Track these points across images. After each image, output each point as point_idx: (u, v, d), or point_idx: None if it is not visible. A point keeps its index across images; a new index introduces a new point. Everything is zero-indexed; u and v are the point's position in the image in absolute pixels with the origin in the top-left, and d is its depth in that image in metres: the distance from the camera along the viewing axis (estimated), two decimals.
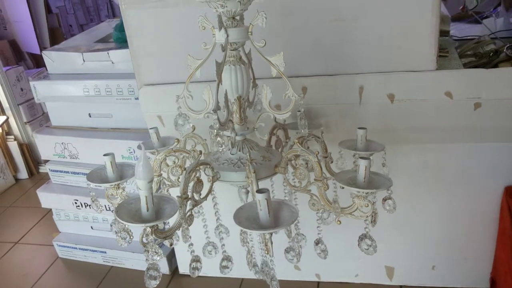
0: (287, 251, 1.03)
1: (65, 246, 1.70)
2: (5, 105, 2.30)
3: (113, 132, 1.54)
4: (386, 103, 1.17)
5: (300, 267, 1.49)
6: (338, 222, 0.87)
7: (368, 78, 1.16)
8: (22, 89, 2.37)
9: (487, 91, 1.11)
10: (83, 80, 1.49)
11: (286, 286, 1.48)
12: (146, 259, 0.77)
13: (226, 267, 1.00)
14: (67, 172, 1.60)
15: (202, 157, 0.90)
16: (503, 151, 1.19)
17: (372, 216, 0.82)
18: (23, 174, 2.46)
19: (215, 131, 0.84)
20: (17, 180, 2.47)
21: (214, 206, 1.03)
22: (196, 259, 0.92)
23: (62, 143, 1.57)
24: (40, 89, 1.54)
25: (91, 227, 1.68)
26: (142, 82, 1.32)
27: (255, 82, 0.99)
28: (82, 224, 1.68)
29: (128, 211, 0.74)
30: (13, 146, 2.36)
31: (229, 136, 0.94)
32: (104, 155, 0.92)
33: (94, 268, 1.68)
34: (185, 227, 0.81)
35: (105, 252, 1.64)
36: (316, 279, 1.50)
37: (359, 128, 0.99)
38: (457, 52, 1.40)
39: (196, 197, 0.85)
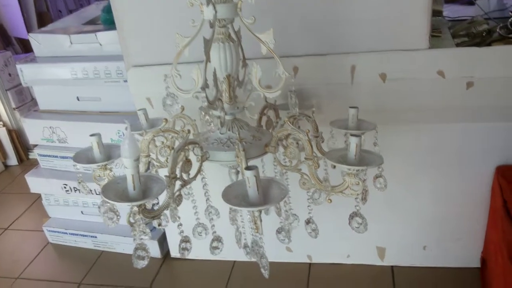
0: (278, 231, 1.02)
1: (55, 231, 1.69)
2: None
3: (102, 116, 1.51)
4: (378, 83, 1.16)
5: (291, 248, 1.49)
6: (329, 201, 0.86)
7: (360, 57, 1.15)
8: (10, 75, 2.33)
9: (480, 69, 1.10)
10: (71, 63, 1.46)
11: (278, 268, 1.48)
12: (134, 239, 0.75)
13: (216, 247, 0.99)
14: (56, 156, 1.58)
15: (191, 137, 0.89)
16: (494, 131, 1.19)
17: (363, 194, 0.81)
18: (13, 160, 2.43)
19: (203, 110, 0.82)
20: (6, 166, 2.44)
21: (203, 186, 1.02)
22: (186, 240, 0.91)
23: (50, 127, 1.54)
24: (27, 72, 1.51)
25: (81, 212, 1.67)
26: (130, 63, 1.29)
27: (245, 61, 0.97)
28: (72, 209, 1.67)
29: (114, 191, 0.73)
30: (2, 132, 2.32)
31: (218, 116, 0.92)
32: (91, 135, 0.90)
33: (84, 253, 1.67)
34: (174, 207, 0.80)
35: (96, 237, 1.62)
36: (307, 261, 1.50)
37: (351, 107, 0.98)
38: (450, 33, 1.39)
39: (184, 176, 0.84)
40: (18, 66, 1.50)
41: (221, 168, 1.03)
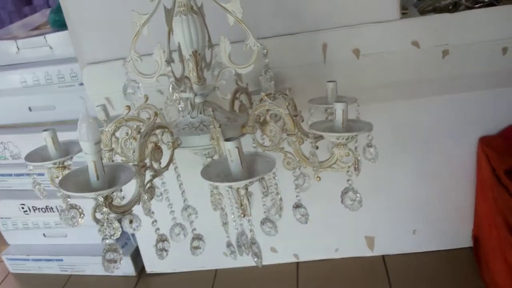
0: (263, 222, 0.93)
1: (16, 259, 1.53)
2: None
3: (57, 126, 1.39)
4: (351, 59, 1.10)
5: (276, 248, 1.40)
6: (318, 179, 0.79)
7: (330, 34, 1.09)
8: None
9: (454, 36, 1.07)
10: (19, 69, 1.34)
11: (263, 271, 1.38)
12: (103, 239, 0.65)
13: (197, 247, 0.89)
14: (10, 174, 1.43)
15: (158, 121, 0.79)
16: (474, 101, 1.15)
17: (355, 164, 0.73)
18: None
19: (171, 86, 0.73)
20: None
21: (180, 186, 0.92)
22: (163, 239, 0.81)
23: (1, 143, 1.40)
24: None
25: (44, 235, 1.52)
26: (84, 61, 1.18)
27: (210, 41, 0.90)
28: (32, 232, 1.52)
29: (74, 183, 0.63)
30: None
31: (187, 98, 0.84)
32: (44, 130, 0.79)
33: (50, 279, 1.51)
34: (146, 198, 0.70)
35: (62, 260, 1.48)
36: (294, 260, 1.42)
37: (329, 81, 0.92)
38: (417, 10, 1.36)
39: (155, 165, 0.74)
40: None
41: (196, 162, 0.94)
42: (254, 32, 0.80)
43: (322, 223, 1.33)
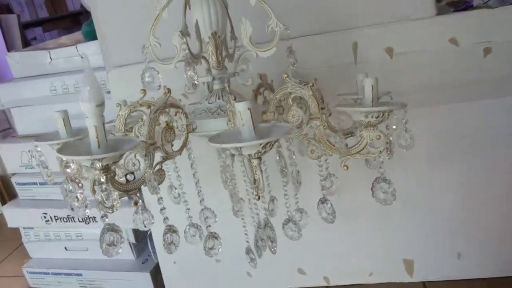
0: (285, 223, 0.85)
1: (36, 273, 1.49)
2: None
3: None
4: (384, 59, 1.04)
5: (304, 270, 1.29)
6: (345, 168, 0.71)
7: (361, 32, 1.04)
8: None
9: (497, 33, 0.99)
10: (49, 78, 1.36)
11: None
12: (101, 216, 0.59)
13: (212, 248, 0.81)
14: (35, 183, 1.42)
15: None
16: None
17: (387, 146, 0.65)
18: None
19: (185, 60, 0.69)
20: None
21: (196, 183, 0.86)
22: (172, 229, 0.73)
23: (29, 151, 1.41)
24: (4, 93, 1.40)
25: (65, 248, 1.48)
26: (111, 64, 1.18)
27: (233, 32, 0.86)
28: (54, 245, 1.48)
29: (73, 151, 0.58)
30: None
31: (205, 82, 0.79)
32: (55, 112, 0.76)
33: None
34: (152, 178, 0.64)
35: (81, 275, 1.42)
36: (324, 283, 1.29)
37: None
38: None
39: (166, 147, 0.69)
40: None
41: (214, 164, 0.89)
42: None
43: (355, 244, 1.22)
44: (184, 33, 0.69)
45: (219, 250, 0.82)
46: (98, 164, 0.54)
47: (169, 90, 0.70)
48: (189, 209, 0.85)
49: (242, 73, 0.80)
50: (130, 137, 0.62)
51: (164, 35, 0.79)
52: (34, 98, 1.39)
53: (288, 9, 1.05)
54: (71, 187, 0.62)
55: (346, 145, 0.69)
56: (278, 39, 0.75)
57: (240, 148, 0.53)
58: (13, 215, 1.46)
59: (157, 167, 0.68)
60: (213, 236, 0.81)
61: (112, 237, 0.60)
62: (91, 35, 1.42)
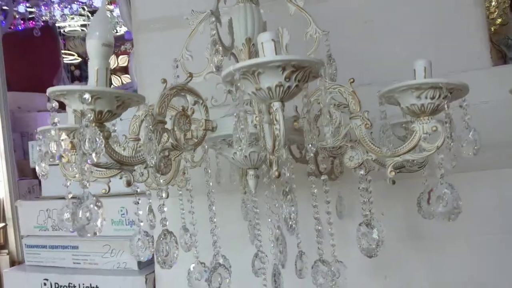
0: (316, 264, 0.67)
1: None
2: (8, 214, 2.11)
3: (107, 198, 1.30)
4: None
5: None
6: (391, 182, 0.57)
7: None
8: None
9: None
10: None
11: None
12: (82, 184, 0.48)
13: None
14: (45, 246, 1.30)
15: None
16: None
17: (448, 139, 0.52)
18: None
19: (211, 41, 0.63)
20: None
21: (210, 218, 0.73)
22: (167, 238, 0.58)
23: (47, 210, 1.32)
24: (36, 149, 1.39)
25: None
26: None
27: None
28: None
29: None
30: (4, 261, 2.06)
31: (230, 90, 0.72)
32: None
33: None
34: (156, 155, 0.53)
35: None
36: None
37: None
38: None
39: (178, 133, 0.59)
40: (30, 143, 1.40)
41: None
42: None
43: None
44: (217, 16, 0.65)
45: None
46: (87, 96, 0.45)
47: (191, 74, 0.63)
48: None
49: None
50: (137, 94, 0.53)
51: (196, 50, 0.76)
52: None
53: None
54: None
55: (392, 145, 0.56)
56: (317, 45, 0.69)
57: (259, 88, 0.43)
58: (12, 278, 1.31)
59: (165, 153, 0.58)
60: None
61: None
62: None
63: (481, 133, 0.91)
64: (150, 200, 0.62)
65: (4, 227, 2.07)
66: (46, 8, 3.42)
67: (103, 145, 0.46)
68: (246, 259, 0.78)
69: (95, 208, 0.48)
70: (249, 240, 0.84)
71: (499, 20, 1.39)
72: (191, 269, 0.69)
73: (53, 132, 0.52)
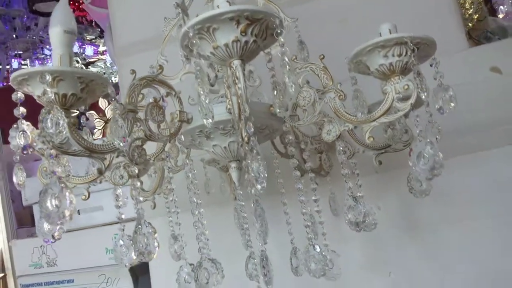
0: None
1: None
2: (7, 264, 2.06)
3: (103, 227, 1.27)
4: None
5: None
6: (371, 139, 0.55)
7: None
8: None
9: None
10: None
11: None
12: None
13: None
14: (40, 284, 1.26)
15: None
16: None
17: (420, 93, 0.51)
18: None
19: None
20: None
21: (196, 222, 0.70)
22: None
23: (41, 247, 1.29)
24: (28, 187, 1.38)
25: None
26: None
27: None
28: None
29: None
30: None
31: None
32: None
33: None
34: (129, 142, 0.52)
35: None
36: None
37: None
38: None
39: (152, 123, 0.59)
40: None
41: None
42: None
43: None
44: (182, 8, 0.65)
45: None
46: (48, 77, 0.45)
47: (161, 67, 0.63)
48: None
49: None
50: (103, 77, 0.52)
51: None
52: None
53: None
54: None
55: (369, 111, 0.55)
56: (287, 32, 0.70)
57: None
58: None
59: (138, 142, 0.57)
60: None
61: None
62: None
63: (466, 114, 0.91)
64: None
65: (4, 277, 2.03)
66: (40, 62, 3.51)
67: (66, 126, 0.45)
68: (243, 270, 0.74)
69: (63, 192, 0.46)
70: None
71: (476, 16, 1.41)
72: (180, 270, 0.67)
73: (22, 125, 0.51)
